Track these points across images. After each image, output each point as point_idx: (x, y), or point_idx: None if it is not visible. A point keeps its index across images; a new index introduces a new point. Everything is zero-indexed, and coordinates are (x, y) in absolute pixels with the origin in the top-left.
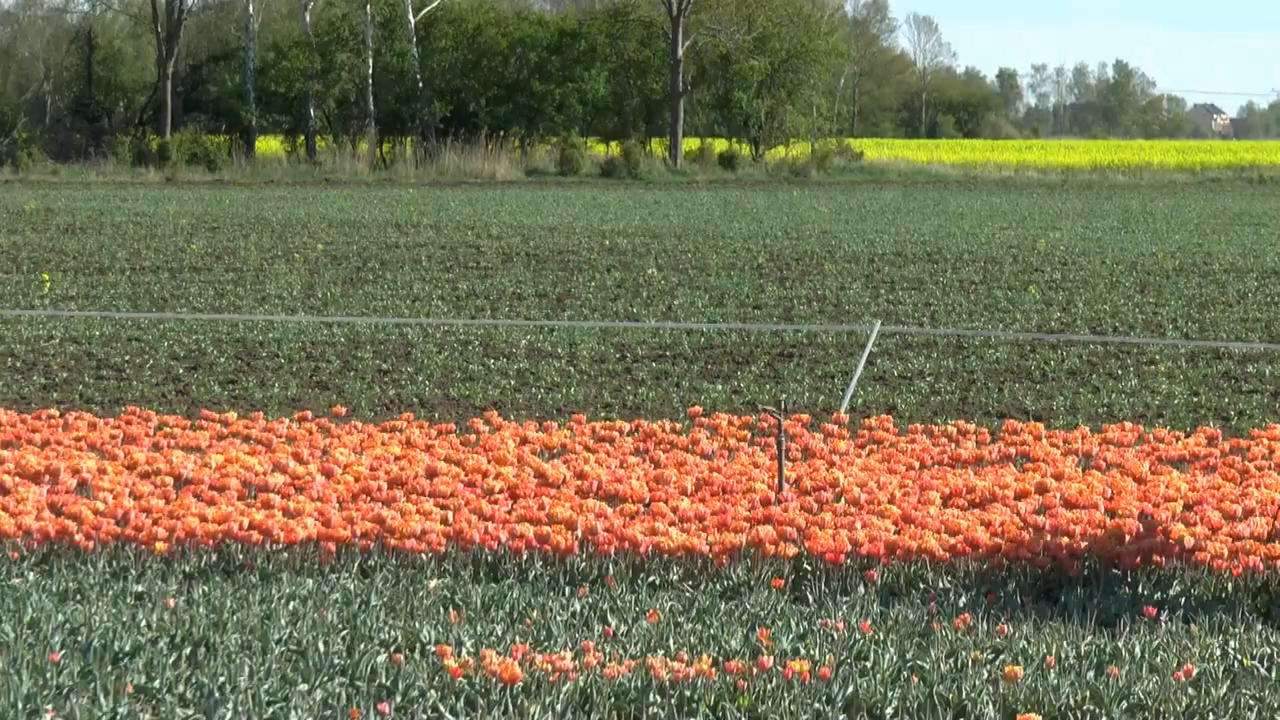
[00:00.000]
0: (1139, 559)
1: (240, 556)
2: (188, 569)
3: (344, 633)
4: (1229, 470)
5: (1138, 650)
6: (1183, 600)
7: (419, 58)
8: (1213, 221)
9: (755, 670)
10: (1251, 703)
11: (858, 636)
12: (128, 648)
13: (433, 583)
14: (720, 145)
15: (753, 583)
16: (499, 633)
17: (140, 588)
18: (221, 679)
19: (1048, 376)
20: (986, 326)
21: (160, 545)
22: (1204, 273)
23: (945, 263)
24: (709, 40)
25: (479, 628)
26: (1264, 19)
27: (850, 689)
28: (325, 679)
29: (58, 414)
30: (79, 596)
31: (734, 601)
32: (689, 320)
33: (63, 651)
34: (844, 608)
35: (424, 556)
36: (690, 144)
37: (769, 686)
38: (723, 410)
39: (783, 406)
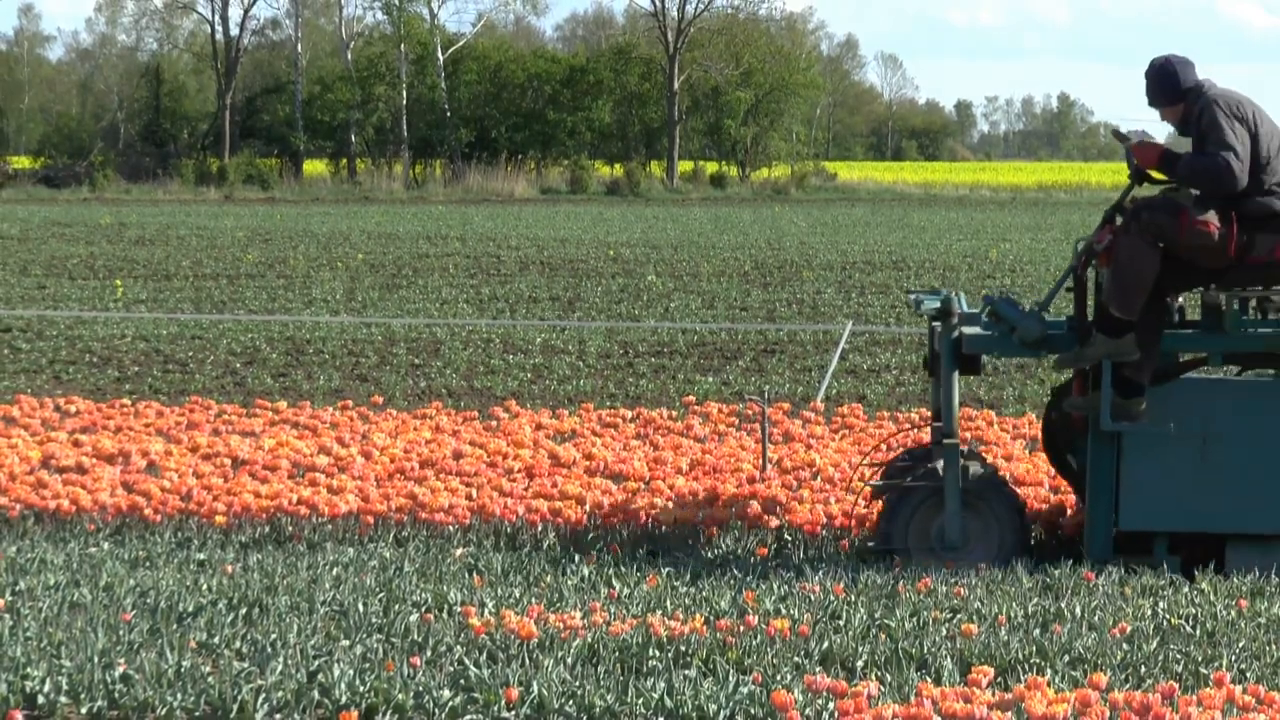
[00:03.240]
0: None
1: (290, 528)
2: (244, 539)
3: (381, 595)
4: None
5: (1078, 610)
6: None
7: (447, 90)
8: None
9: (742, 628)
10: (1178, 656)
11: (832, 598)
12: (191, 608)
13: (459, 551)
14: (711, 167)
15: (740, 551)
16: (517, 595)
17: (202, 556)
18: (273, 636)
19: (998, 370)
20: None
21: (219, 518)
22: None
23: (909, 270)
24: (701, 75)
25: (499, 591)
26: (1188, 56)
27: (826, 644)
28: (364, 636)
29: (129, 403)
30: (148, 563)
31: (723, 567)
32: (684, 320)
33: (134, 611)
34: (820, 573)
35: (451, 528)
36: (685, 166)
37: (754, 642)
38: (713, 399)
39: (766, 396)
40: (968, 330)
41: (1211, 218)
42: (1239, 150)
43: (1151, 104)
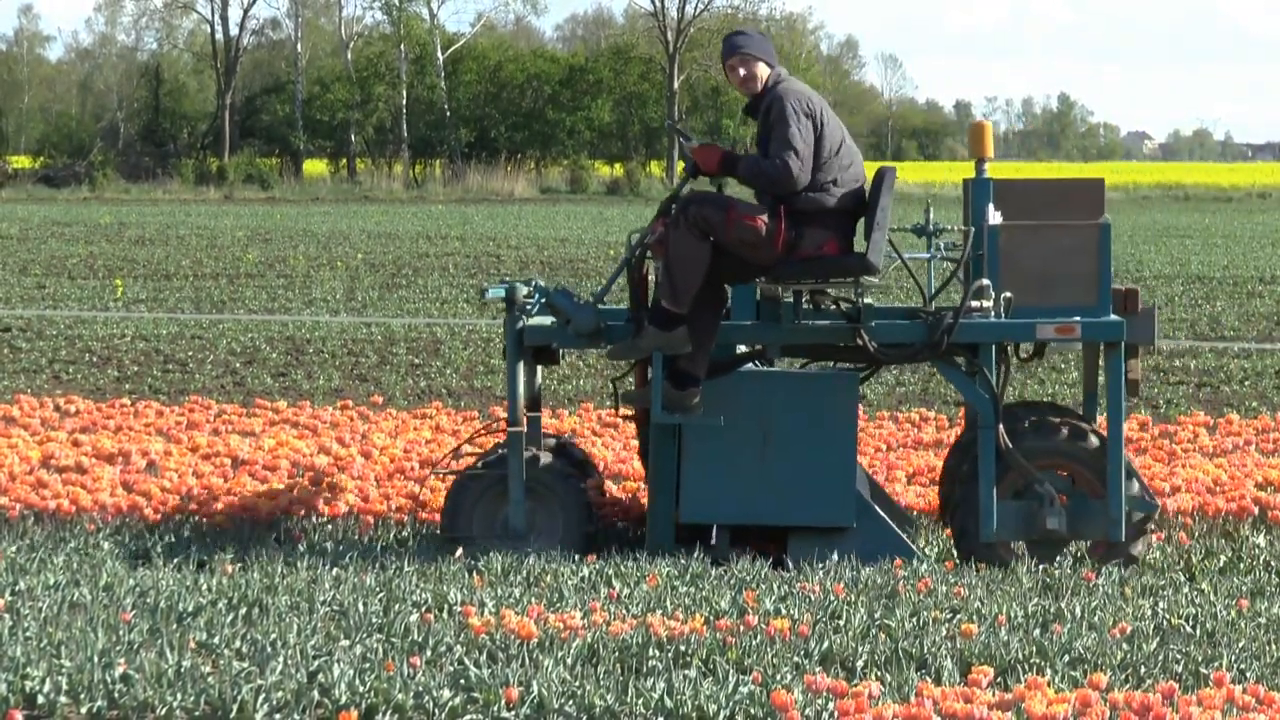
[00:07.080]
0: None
1: (290, 528)
2: (244, 539)
3: (380, 595)
4: (1159, 452)
5: (1078, 610)
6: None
7: (447, 90)
8: (1143, 234)
9: (742, 628)
10: (1178, 656)
11: (832, 598)
12: (190, 608)
13: (459, 551)
14: None
15: (739, 550)
16: (517, 595)
17: (202, 556)
18: (273, 636)
19: None
20: None
21: (219, 519)
22: (1135, 279)
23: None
24: (701, 74)
25: (499, 590)
26: (1188, 56)
27: (826, 644)
28: (364, 636)
29: (129, 403)
30: (148, 563)
31: (723, 567)
32: None
33: (133, 611)
34: (820, 572)
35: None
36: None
37: (754, 642)
38: None
39: None
40: (530, 321)
41: (758, 213)
42: (800, 149)
43: (729, 77)
